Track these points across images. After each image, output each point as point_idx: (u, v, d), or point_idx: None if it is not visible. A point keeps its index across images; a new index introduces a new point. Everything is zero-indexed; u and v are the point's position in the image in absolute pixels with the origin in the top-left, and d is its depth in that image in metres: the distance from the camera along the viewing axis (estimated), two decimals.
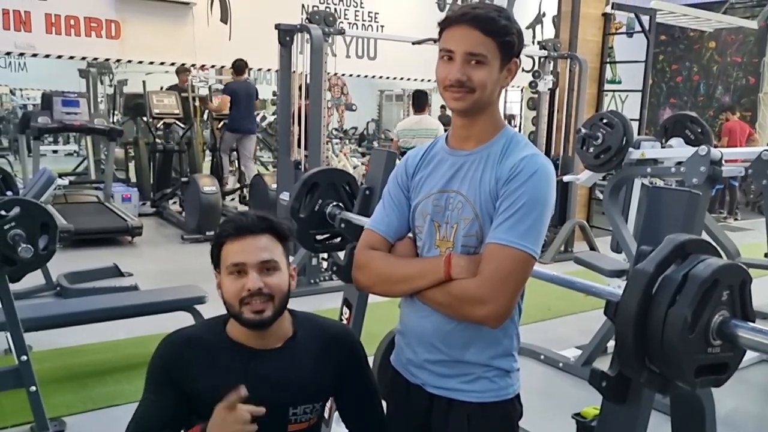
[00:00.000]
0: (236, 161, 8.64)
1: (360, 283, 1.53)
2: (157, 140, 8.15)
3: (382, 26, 8.60)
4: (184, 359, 1.44)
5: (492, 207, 1.37)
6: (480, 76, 1.36)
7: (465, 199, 1.41)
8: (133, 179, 9.04)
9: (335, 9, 8.10)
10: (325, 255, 5.00)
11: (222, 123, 8.40)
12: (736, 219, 9.44)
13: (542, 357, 3.87)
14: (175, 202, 8.21)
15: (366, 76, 8.99)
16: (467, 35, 1.35)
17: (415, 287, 1.42)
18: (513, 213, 1.33)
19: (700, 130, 3.83)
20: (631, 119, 3.58)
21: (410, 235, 1.54)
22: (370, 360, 2.04)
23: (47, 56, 6.90)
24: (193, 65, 7.87)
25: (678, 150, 3.55)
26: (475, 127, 1.43)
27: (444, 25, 1.39)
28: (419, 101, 6.70)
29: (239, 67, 7.50)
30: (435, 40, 1.43)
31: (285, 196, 2.34)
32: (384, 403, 1.65)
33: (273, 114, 10.39)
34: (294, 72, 5.18)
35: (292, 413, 1.46)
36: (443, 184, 1.45)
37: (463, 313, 1.36)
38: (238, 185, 8.53)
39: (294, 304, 1.52)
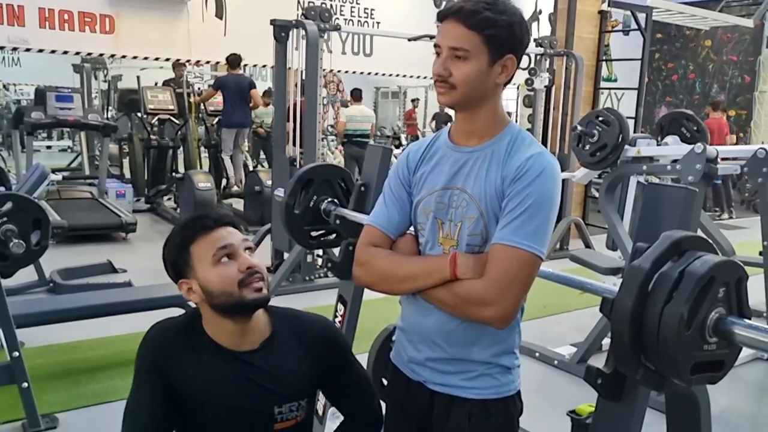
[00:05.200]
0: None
1: (361, 280, 1.49)
2: (152, 136, 8.12)
3: (378, 22, 8.58)
4: (173, 356, 1.42)
5: (498, 206, 1.35)
6: (461, 72, 1.34)
7: (470, 197, 1.38)
8: (128, 175, 9.02)
9: (331, 5, 8.07)
10: (320, 251, 4.99)
11: (217, 119, 8.37)
12: (731, 217, 9.46)
13: (537, 354, 3.87)
14: (169, 199, 8.18)
15: (362, 73, 8.98)
16: (451, 29, 1.34)
17: (420, 286, 1.40)
18: (520, 213, 1.31)
19: (696, 128, 3.84)
20: (627, 117, 3.58)
21: (411, 230, 1.50)
22: (365, 356, 2.04)
23: (41, 51, 6.86)
24: (188, 61, 7.84)
25: (674, 148, 3.56)
26: (476, 122, 1.41)
27: (437, 21, 1.39)
28: (359, 95, 8.97)
29: (233, 61, 7.47)
30: (431, 37, 1.42)
31: (280, 193, 2.33)
32: (383, 402, 1.63)
33: None
34: (289, 68, 5.15)
35: (278, 412, 1.44)
36: (446, 181, 1.42)
37: (469, 313, 1.34)
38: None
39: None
